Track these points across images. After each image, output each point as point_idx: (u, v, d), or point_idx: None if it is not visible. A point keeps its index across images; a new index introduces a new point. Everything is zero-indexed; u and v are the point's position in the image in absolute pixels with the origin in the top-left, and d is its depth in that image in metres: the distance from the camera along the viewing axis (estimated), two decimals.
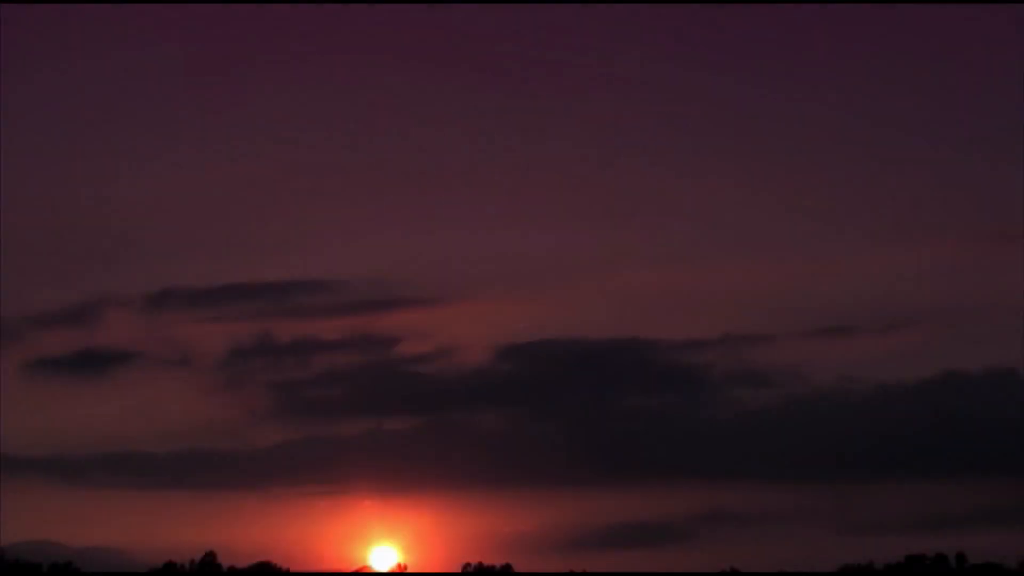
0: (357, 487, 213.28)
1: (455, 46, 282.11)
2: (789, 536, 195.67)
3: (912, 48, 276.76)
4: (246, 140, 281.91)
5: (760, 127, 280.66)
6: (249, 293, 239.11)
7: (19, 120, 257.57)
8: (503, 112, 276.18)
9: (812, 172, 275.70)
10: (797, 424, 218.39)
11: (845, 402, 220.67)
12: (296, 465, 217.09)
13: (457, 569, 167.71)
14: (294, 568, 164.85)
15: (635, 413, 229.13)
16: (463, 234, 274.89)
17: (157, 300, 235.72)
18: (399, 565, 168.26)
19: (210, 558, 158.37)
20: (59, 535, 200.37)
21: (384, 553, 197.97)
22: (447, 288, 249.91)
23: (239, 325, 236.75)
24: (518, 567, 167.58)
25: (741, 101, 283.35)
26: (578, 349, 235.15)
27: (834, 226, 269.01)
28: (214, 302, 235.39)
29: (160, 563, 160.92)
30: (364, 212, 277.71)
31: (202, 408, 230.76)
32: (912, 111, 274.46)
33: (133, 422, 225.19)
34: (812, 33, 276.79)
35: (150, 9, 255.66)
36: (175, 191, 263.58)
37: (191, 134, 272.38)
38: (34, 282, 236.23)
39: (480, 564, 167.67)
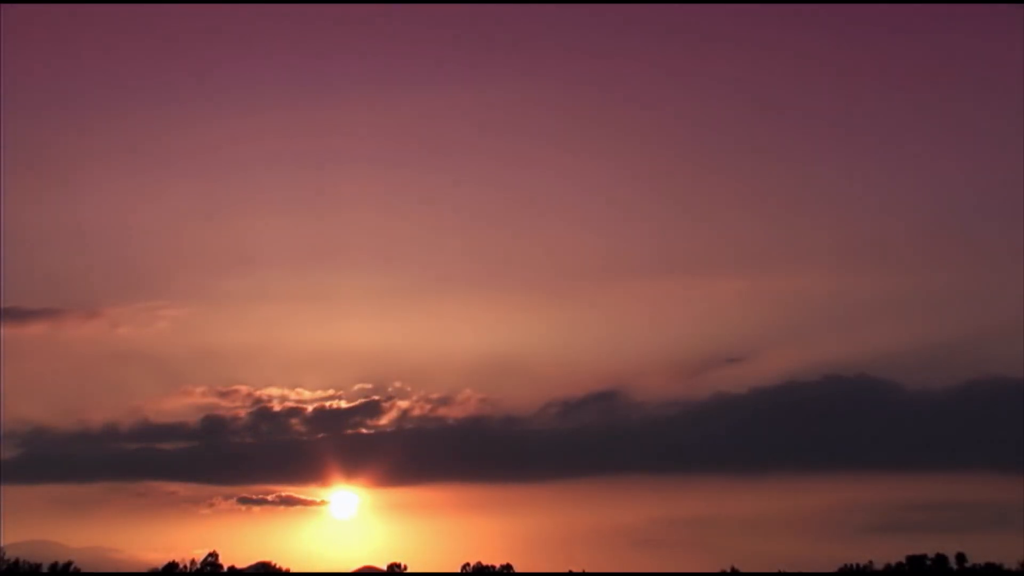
0: (356, 488, 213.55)
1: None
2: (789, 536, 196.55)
3: None
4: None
5: None
6: None
7: None
8: None
9: None
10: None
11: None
12: (294, 466, 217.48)
13: (457, 569, 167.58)
14: (294, 568, 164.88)
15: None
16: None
17: None
18: (399, 565, 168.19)
19: (211, 558, 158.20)
20: (59, 535, 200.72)
21: (344, 496, 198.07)
22: None
23: None
24: (518, 567, 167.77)
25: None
26: None
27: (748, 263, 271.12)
28: None
29: (160, 563, 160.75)
30: None
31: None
32: None
33: None
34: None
35: None
36: None
37: None
38: None
39: (480, 564, 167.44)
